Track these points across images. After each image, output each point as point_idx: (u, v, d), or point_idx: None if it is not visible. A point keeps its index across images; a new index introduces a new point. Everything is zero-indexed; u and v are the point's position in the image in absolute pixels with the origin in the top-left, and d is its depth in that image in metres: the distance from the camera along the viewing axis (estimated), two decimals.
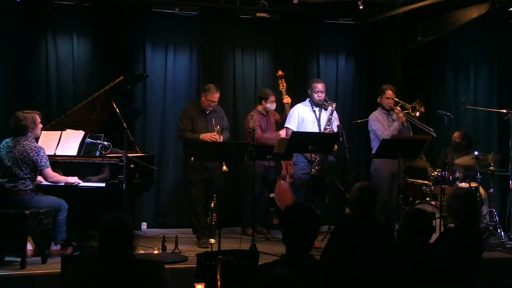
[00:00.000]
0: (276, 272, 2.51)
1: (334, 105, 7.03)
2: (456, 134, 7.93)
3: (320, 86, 7.07)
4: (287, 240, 3.25)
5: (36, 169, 5.79)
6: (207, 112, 7.10)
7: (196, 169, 6.97)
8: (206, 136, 6.83)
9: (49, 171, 5.87)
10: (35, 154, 5.75)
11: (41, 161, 5.78)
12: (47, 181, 5.90)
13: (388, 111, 7.23)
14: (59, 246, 5.93)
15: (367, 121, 7.51)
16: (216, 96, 7.00)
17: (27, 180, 5.77)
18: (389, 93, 7.19)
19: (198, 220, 7.02)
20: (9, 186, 5.72)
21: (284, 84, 7.79)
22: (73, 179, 6.06)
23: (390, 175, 7.00)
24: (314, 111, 7.07)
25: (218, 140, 6.83)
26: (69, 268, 3.32)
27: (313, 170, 6.79)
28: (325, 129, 6.94)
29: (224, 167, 6.73)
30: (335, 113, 7.09)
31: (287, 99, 7.67)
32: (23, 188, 5.76)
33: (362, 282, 3.45)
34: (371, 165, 7.27)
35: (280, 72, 7.90)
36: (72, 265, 3.32)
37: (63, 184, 6.10)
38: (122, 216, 3.34)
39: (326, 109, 7.07)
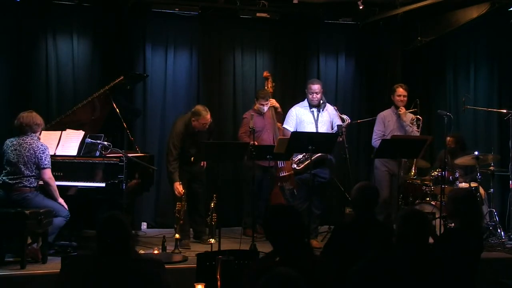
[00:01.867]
0: (280, 273, 2.52)
1: (347, 121, 7.00)
2: (448, 139, 7.74)
3: (314, 87, 6.95)
4: (272, 243, 3.30)
5: (40, 167, 5.83)
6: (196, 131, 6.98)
7: (180, 169, 6.88)
8: (176, 187, 6.77)
9: (49, 171, 5.90)
10: (41, 152, 5.82)
11: (44, 160, 5.84)
12: (43, 178, 5.88)
13: (399, 108, 7.23)
14: (36, 245, 5.84)
15: (367, 121, 7.48)
16: (208, 117, 6.86)
17: (32, 177, 5.82)
18: (400, 90, 7.19)
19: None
20: (14, 182, 5.76)
21: (270, 86, 7.74)
22: (62, 201, 5.95)
23: (390, 173, 7.03)
24: (312, 112, 7.02)
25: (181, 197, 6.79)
26: (65, 269, 3.33)
27: (295, 166, 6.88)
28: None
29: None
30: (336, 112, 7.08)
31: (272, 102, 7.65)
32: (28, 185, 5.80)
33: (361, 281, 3.45)
34: (373, 162, 7.29)
35: (265, 73, 7.87)
36: (68, 265, 3.33)
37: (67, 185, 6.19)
38: (119, 216, 3.34)
39: (323, 110, 7.04)
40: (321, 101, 7.01)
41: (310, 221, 6.80)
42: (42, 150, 5.84)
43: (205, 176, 7.32)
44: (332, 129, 6.93)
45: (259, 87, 8.60)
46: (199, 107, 6.97)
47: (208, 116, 6.89)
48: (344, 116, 7.02)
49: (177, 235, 6.40)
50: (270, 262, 3.35)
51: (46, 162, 5.85)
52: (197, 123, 6.86)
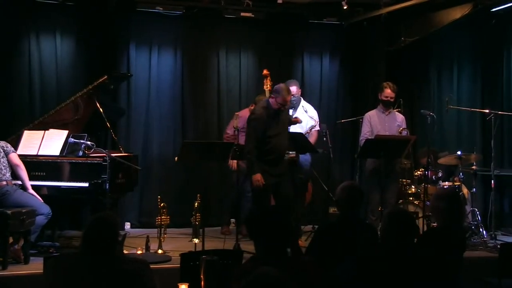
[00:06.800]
0: (263, 273, 2.51)
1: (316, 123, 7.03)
2: (423, 160, 7.65)
3: (292, 89, 6.84)
4: (255, 243, 3.38)
5: (6, 155, 5.90)
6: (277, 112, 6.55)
7: (265, 174, 6.39)
8: (257, 179, 6.27)
9: (16, 155, 5.99)
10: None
11: (7, 147, 5.95)
12: (12, 163, 5.92)
13: (386, 108, 7.06)
14: (17, 246, 5.77)
15: (351, 120, 7.46)
16: (288, 99, 6.43)
17: (2, 167, 5.84)
18: (388, 91, 6.95)
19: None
20: None
21: (269, 84, 7.73)
22: (32, 191, 5.97)
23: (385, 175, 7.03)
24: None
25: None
26: (50, 269, 3.31)
27: None
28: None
29: None
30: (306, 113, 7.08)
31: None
32: (3, 178, 5.79)
33: (346, 281, 3.46)
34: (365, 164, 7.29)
35: (265, 71, 7.82)
36: (51, 265, 3.31)
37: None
38: (107, 216, 3.32)
39: (295, 110, 7.06)
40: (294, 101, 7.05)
41: (292, 221, 6.81)
42: None
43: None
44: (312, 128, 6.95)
45: (244, 86, 8.63)
46: (282, 86, 6.47)
47: (289, 98, 6.48)
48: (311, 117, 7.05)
49: None
50: (255, 263, 3.35)
51: (11, 147, 5.98)
52: (274, 102, 6.42)
